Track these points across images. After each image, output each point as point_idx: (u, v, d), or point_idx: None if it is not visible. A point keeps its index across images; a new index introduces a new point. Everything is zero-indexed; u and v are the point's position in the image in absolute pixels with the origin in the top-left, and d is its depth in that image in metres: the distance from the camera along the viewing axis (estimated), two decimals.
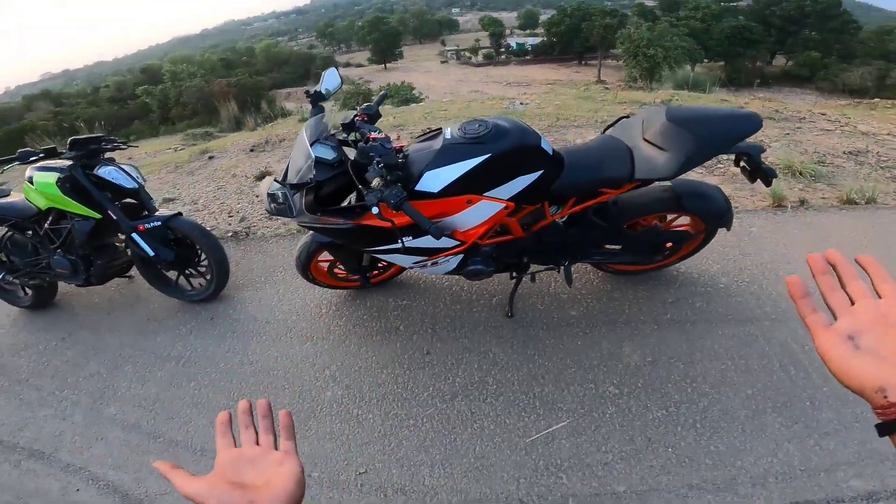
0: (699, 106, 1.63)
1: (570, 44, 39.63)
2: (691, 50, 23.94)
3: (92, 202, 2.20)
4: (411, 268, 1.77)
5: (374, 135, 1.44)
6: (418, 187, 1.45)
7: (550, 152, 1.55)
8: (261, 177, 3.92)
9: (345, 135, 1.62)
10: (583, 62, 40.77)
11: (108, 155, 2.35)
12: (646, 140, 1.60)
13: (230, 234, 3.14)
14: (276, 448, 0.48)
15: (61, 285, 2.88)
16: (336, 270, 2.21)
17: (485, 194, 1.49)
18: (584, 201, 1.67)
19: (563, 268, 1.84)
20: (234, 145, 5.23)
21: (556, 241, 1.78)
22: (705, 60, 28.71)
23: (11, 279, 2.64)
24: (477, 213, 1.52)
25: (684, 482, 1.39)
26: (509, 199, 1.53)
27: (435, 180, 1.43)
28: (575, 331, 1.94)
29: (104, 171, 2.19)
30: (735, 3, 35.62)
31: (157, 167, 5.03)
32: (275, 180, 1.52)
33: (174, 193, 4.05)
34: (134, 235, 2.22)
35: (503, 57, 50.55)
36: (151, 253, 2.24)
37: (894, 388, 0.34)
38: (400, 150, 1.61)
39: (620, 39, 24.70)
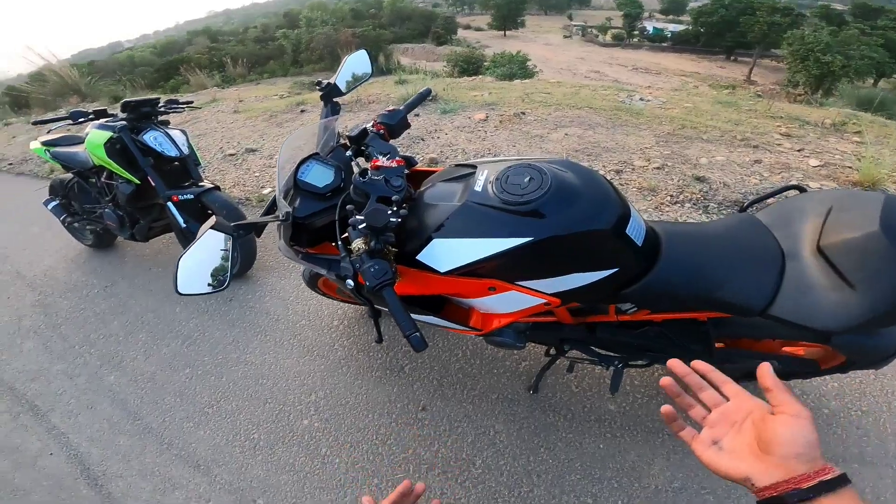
0: None
1: (719, 36, 34.38)
2: (882, 62, 19.32)
3: (135, 166, 2.19)
4: None
5: (380, 161, 1.00)
6: (421, 256, 0.96)
7: (639, 242, 0.95)
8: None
9: (349, 153, 1.15)
10: (732, 58, 35.26)
11: (164, 117, 2.32)
12: (820, 250, 0.90)
13: None
14: None
15: None
16: None
17: (517, 283, 0.98)
18: (672, 312, 1.10)
19: (612, 368, 1.31)
20: None
21: (614, 340, 1.25)
22: (895, 76, 23.06)
23: (71, 222, 2.81)
24: (503, 302, 1.05)
25: None
26: (554, 295, 1.00)
27: (443, 254, 0.94)
28: (603, 430, 1.50)
29: (149, 137, 2.16)
30: None
31: (257, 114, 5.20)
32: (212, 227, 0.99)
33: (258, 144, 4.11)
34: (168, 204, 2.19)
35: (635, 40, 45.66)
36: (182, 224, 2.21)
37: (756, 476, 0.41)
38: (417, 174, 1.17)
39: (789, 39, 20.68)
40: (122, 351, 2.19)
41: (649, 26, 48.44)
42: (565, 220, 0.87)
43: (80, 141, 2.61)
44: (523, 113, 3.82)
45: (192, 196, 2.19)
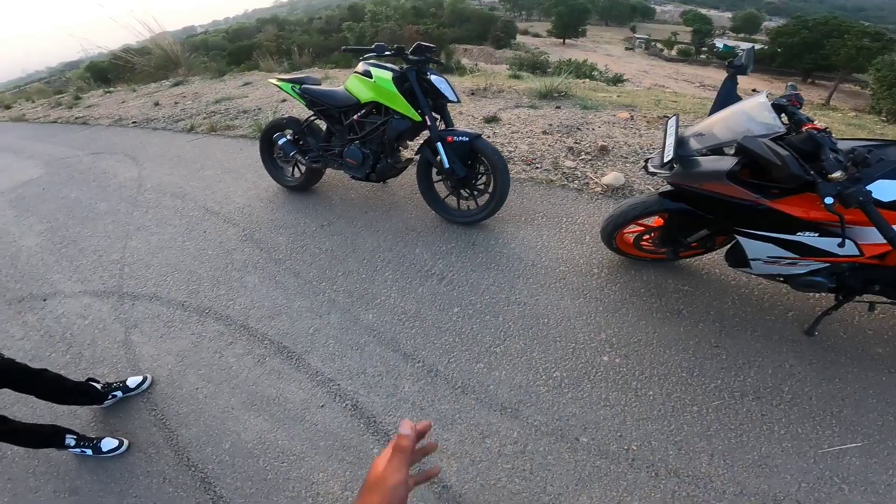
0: None
1: (797, 57, 32.75)
2: None
3: (415, 105, 2.26)
4: (754, 261, 1.62)
5: (817, 124, 1.35)
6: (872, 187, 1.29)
7: None
8: (490, 119, 4.05)
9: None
10: (809, 80, 33.54)
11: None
12: None
13: None
14: None
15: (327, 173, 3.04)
16: (643, 242, 2.07)
17: None
18: None
19: None
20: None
21: None
22: None
23: (301, 159, 2.89)
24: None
25: None
26: None
27: (890, 190, 1.30)
28: (880, 367, 1.74)
29: (436, 79, 2.21)
30: None
31: None
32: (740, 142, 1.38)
33: None
34: (439, 145, 2.25)
35: (703, 57, 44.18)
36: (447, 165, 2.26)
37: None
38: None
39: (878, 65, 19.57)
40: (370, 289, 2.10)
41: (719, 43, 46.69)
42: None
43: (318, 83, 2.79)
44: (667, 116, 4.03)
45: (467, 139, 2.21)
